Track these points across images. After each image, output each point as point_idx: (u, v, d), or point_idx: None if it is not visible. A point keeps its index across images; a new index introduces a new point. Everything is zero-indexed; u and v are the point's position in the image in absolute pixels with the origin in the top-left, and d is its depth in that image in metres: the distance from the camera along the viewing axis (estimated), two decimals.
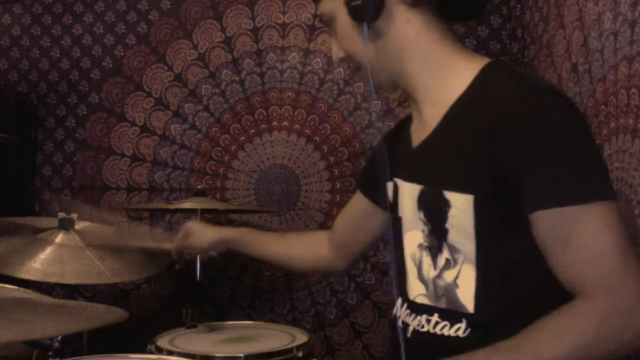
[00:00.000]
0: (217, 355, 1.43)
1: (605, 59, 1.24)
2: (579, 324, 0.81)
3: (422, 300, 1.00)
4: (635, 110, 1.08)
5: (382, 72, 1.04)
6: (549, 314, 0.84)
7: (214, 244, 1.52)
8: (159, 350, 1.45)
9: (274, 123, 2.42)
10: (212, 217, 2.40)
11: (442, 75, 0.99)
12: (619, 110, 1.16)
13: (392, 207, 1.10)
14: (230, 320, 1.86)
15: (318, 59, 2.39)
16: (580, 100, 1.39)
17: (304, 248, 1.49)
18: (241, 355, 1.41)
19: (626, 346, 0.81)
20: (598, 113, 1.28)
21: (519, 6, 2.14)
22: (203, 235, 1.51)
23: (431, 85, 1.01)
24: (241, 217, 2.47)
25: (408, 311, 1.03)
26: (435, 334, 0.96)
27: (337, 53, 1.08)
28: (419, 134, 1.05)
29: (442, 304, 0.96)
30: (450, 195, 0.92)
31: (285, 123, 2.41)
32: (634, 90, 1.08)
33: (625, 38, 1.13)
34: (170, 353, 1.43)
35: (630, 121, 1.10)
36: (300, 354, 1.45)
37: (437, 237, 0.96)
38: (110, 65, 2.58)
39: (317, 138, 2.38)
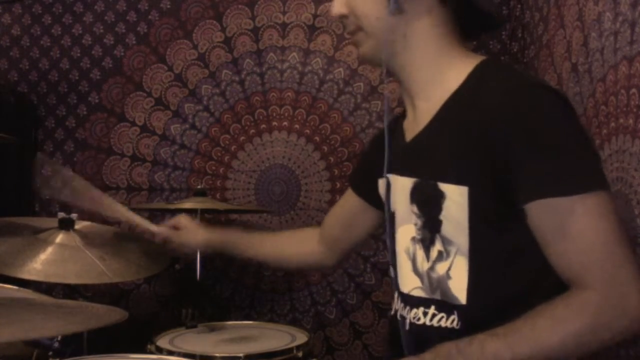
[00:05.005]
0: (217, 355, 1.43)
1: (605, 59, 1.24)
2: (575, 313, 0.83)
3: (418, 293, 1.01)
4: (635, 110, 1.08)
5: (379, 46, 1.01)
6: (546, 303, 0.85)
7: (204, 245, 1.51)
8: (159, 350, 1.45)
9: (274, 123, 2.42)
10: (212, 217, 2.40)
11: (438, 70, 1.00)
12: (619, 110, 1.15)
13: (385, 203, 1.11)
14: (230, 320, 1.86)
15: (318, 59, 2.39)
16: (580, 100, 1.39)
17: (293, 246, 1.50)
18: (241, 355, 1.41)
19: (620, 334, 0.84)
20: (598, 113, 1.28)
21: (519, 6, 2.14)
22: (194, 233, 1.50)
23: (427, 78, 1.01)
24: (241, 217, 2.47)
25: (402, 304, 1.04)
26: (432, 326, 0.97)
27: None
28: (412, 128, 1.06)
29: (437, 296, 0.97)
30: (445, 187, 0.93)
31: (285, 123, 2.41)
32: (634, 90, 1.08)
33: (625, 38, 1.12)
34: (170, 353, 1.43)
35: (630, 121, 1.09)
36: (300, 354, 1.45)
37: (430, 230, 0.97)
38: (110, 65, 2.58)
39: (317, 138, 2.38)
